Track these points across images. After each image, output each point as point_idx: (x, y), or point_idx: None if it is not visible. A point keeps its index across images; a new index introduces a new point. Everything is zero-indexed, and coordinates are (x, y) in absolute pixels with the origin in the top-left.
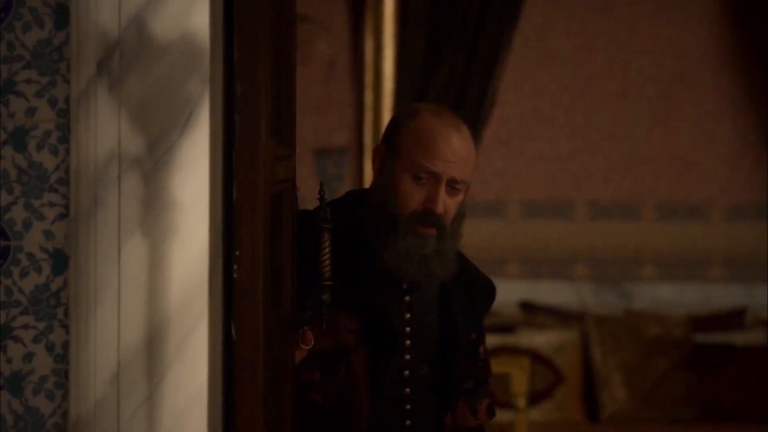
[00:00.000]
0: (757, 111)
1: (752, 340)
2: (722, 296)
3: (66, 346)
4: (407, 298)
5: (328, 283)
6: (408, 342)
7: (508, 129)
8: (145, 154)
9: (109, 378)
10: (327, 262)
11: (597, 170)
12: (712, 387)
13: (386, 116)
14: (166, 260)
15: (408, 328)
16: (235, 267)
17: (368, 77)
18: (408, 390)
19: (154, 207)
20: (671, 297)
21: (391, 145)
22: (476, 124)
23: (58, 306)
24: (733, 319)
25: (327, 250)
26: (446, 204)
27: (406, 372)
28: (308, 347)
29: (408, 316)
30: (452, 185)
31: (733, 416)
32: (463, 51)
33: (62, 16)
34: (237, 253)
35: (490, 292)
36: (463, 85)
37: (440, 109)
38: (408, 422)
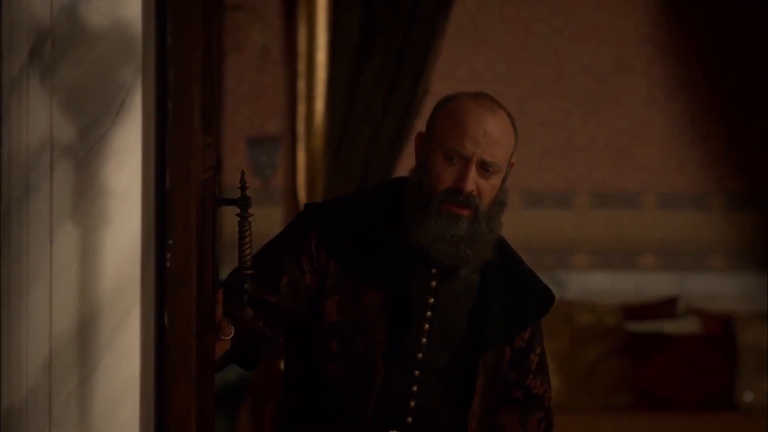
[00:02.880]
0: (690, 98)
1: (684, 329)
2: (655, 285)
3: None
4: (434, 283)
5: (248, 272)
6: (427, 326)
7: None
8: (78, 142)
9: (41, 366)
10: (248, 251)
11: (531, 158)
12: (645, 375)
13: (319, 105)
14: (98, 248)
15: (429, 313)
16: (168, 255)
17: (301, 66)
18: (417, 373)
19: (86, 195)
20: (604, 285)
21: (429, 128)
22: (409, 114)
23: None
24: (665, 307)
25: (248, 239)
26: (479, 185)
27: (420, 355)
28: (227, 338)
29: (432, 300)
30: (485, 167)
31: (666, 404)
32: (397, 39)
33: None
34: (170, 241)
35: (546, 300)
36: (396, 74)
37: (479, 94)
38: (412, 403)
